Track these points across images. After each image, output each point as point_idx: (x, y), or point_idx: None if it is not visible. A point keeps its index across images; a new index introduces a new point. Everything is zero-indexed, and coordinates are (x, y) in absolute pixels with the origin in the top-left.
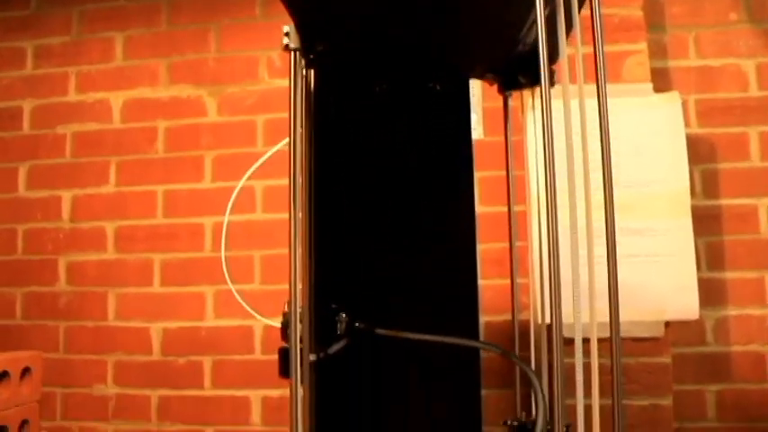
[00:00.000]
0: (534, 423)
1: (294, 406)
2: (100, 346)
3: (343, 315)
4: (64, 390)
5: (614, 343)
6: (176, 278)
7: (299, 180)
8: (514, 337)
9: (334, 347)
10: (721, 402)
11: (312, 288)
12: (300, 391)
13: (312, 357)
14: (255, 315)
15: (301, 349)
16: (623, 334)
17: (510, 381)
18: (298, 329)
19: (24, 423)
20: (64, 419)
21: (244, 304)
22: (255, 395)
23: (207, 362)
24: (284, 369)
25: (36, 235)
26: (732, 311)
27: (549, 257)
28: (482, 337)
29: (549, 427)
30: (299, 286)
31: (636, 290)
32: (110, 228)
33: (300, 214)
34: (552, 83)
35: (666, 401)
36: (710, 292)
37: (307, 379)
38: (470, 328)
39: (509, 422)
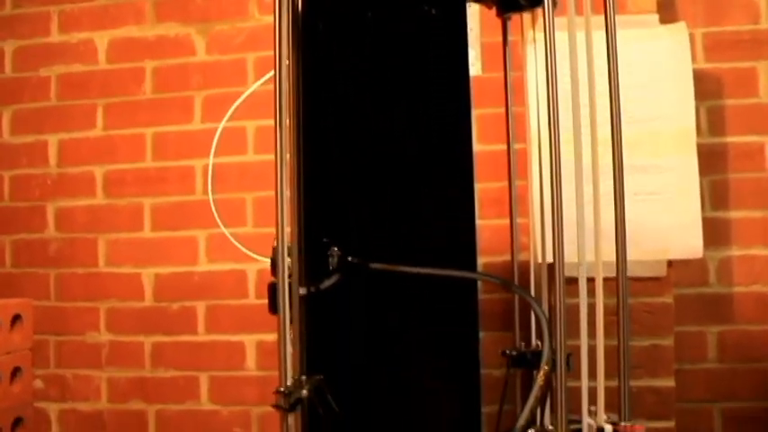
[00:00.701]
0: (540, 349)
1: (283, 342)
2: (91, 293)
3: (336, 249)
4: (57, 338)
5: (621, 283)
6: (167, 222)
7: (286, 109)
8: (513, 277)
9: (326, 283)
10: (722, 344)
11: (302, 221)
12: (289, 326)
13: (302, 291)
14: (249, 254)
15: (290, 284)
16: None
17: (508, 323)
18: (286, 263)
19: (17, 371)
20: (57, 367)
21: (237, 244)
22: (250, 340)
23: (200, 307)
24: (273, 305)
25: (23, 181)
26: (736, 252)
27: (552, 193)
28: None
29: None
30: (287, 218)
31: (638, 228)
32: (98, 172)
33: (288, 142)
34: (555, 2)
35: (667, 342)
36: (714, 233)
37: (296, 313)
38: (468, 267)
39: (508, 352)
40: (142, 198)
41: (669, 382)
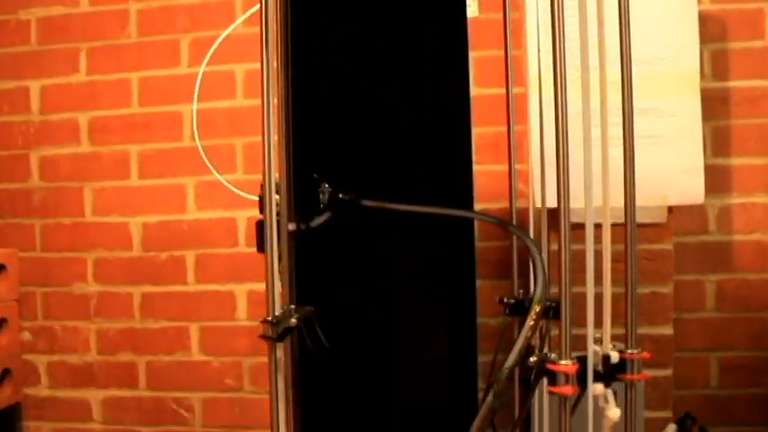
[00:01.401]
0: (533, 294)
1: (270, 275)
2: (78, 244)
3: (326, 186)
4: (43, 289)
5: (629, 229)
6: (155, 170)
7: (273, 44)
8: (512, 247)
9: (317, 220)
10: (721, 292)
11: (291, 156)
12: (276, 261)
13: (291, 227)
14: (237, 192)
15: (278, 220)
16: (623, 219)
17: (505, 272)
18: (273, 199)
19: (3, 322)
20: (45, 319)
21: (224, 182)
22: (240, 289)
23: (189, 256)
24: (261, 243)
25: (4, 129)
26: (736, 199)
27: (558, 134)
28: (476, 226)
29: (548, 301)
30: (275, 152)
31: (639, 173)
32: (82, 119)
33: (276, 78)
34: None
35: (666, 289)
36: (715, 180)
37: (285, 248)
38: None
39: (505, 300)
40: (128, 145)
41: (668, 330)
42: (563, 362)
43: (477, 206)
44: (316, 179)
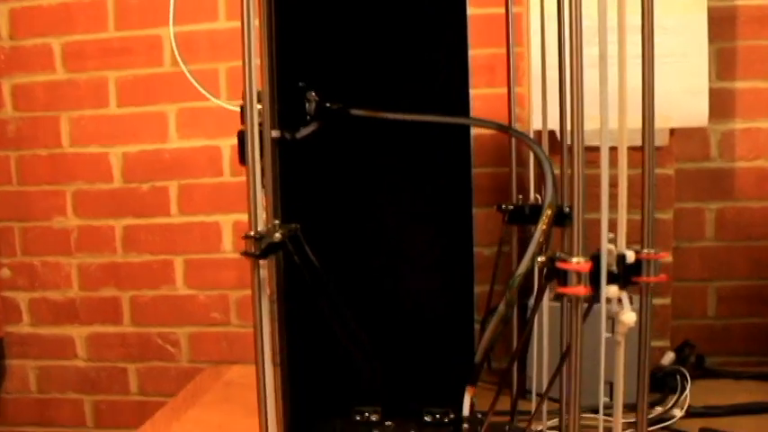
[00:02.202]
0: (540, 204)
1: (252, 186)
2: (56, 176)
3: (313, 94)
4: (22, 224)
5: (648, 151)
6: (134, 98)
7: None
8: (510, 151)
9: (303, 131)
10: (721, 221)
11: (273, 63)
12: (259, 171)
13: (275, 134)
14: (229, 107)
15: (261, 131)
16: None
17: (499, 200)
18: (255, 106)
19: None
20: (25, 255)
21: (212, 98)
22: (226, 220)
23: (172, 187)
24: (243, 155)
25: None
26: (740, 124)
27: (572, 47)
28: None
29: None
30: (255, 49)
31: (640, 94)
32: (56, 44)
33: None
34: None
35: (667, 216)
36: (718, 104)
37: (269, 157)
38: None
39: (504, 206)
40: (106, 72)
41: (667, 258)
42: (575, 259)
43: (472, 131)
44: (301, 87)
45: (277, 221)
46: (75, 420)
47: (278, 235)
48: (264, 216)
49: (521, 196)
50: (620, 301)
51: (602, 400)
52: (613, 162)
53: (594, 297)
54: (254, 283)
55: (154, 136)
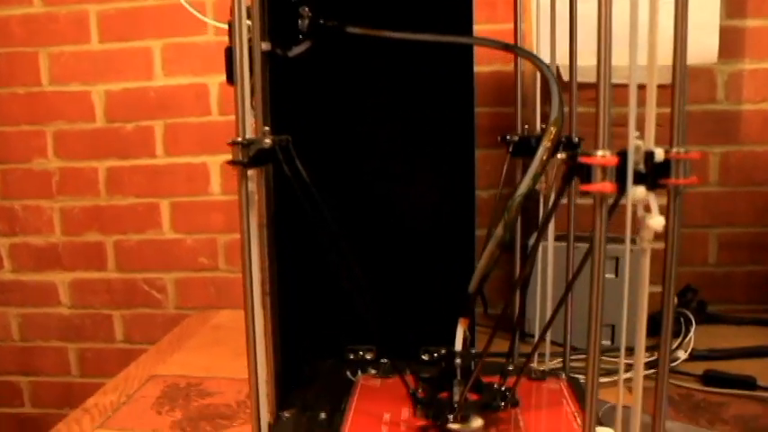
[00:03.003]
0: (545, 126)
1: (240, 93)
2: (36, 116)
3: (306, 10)
4: (0, 166)
5: (679, 38)
6: (117, 32)
7: None
8: (515, 75)
9: (296, 50)
10: (725, 165)
11: None
12: (248, 86)
13: (264, 46)
14: (217, 24)
15: (250, 46)
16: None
17: (498, 142)
18: (244, 20)
19: None
20: (4, 198)
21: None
22: (214, 161)
23: (158, 127)
24: (231, 73)
25: None
26: (748, 65)
27: None
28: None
29: (565, 136)
30: None
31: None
32: None
33: None
34: None
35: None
36: (727, 43)
37: (258, 72)
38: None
39: (508, 137)
40: (86, 5)
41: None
42: (600, 152)
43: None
44: (294, 2)
45: (267, 128)
46: (60, 369)
47: (268, 141)
48: (253, 122)
49: (526, 126)
50: (646, 204)
51: (624, 345)
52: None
53: (619, 198)
54: (241, 196)
55: (138, 73)
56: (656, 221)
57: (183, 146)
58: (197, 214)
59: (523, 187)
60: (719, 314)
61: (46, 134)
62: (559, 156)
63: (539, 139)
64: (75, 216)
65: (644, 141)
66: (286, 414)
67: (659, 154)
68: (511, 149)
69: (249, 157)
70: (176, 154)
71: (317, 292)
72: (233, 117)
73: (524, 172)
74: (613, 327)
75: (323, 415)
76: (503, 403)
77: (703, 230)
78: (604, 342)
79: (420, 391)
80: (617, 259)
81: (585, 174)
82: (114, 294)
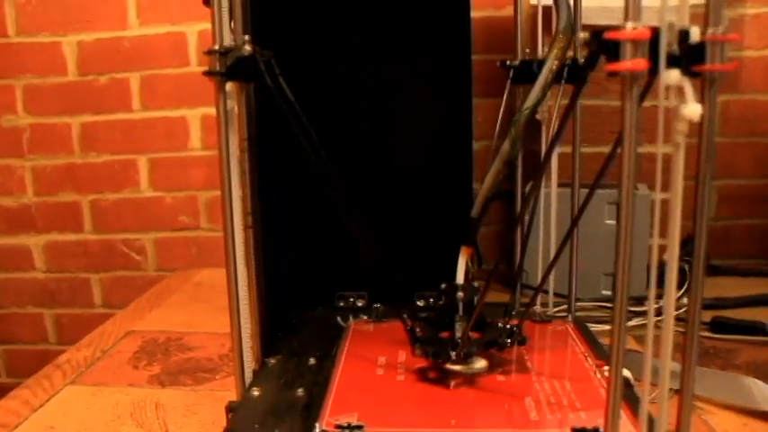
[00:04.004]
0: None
1: (217, 11)
2: (3, 70)
3: None
4: None
5: None
6: None
7: None
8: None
9: None
10: (726, 115)
11: None
12: None
13: None
14: None
15: None
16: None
17: (496, 90)
18: None
19: None
20: None
21: None
22: (193, 115)
23: (134, 79)
24: None
25: None
26: (750, 9)
27: None
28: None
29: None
30: None
31: None
32: None
33: None
34: None
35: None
36: None
37: None
38: None
39: (508, 62)
40: None
41: (670, 149)
42: (630, 24)
43: None
44: None
45: (247, 36)
46: (36, 336)
47: (248, 48)
48: (231, 29)
49: (528, 50)
50: (680, 90)
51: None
52: None
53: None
54: (219, 112)
55: (112, 22)
56: (693, 109)
57: (160, 99)
58: (176, 171)
59: (531, 99)
60: (721, 266)
61: (15, 89)
62: (582, 35)
63: (541, 64)
64: (48, 175)
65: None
66: (272, 360)
67: (695, 34)
68: (511, 75)
69: (227, 66)
70: (154, 108)
71: (304, 234)
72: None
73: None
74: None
75: (312, 360)
76: (509, 340)
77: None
78: (605, 292)
79: (418, 330)
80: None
81: (613, 51)
82: (91, 257)
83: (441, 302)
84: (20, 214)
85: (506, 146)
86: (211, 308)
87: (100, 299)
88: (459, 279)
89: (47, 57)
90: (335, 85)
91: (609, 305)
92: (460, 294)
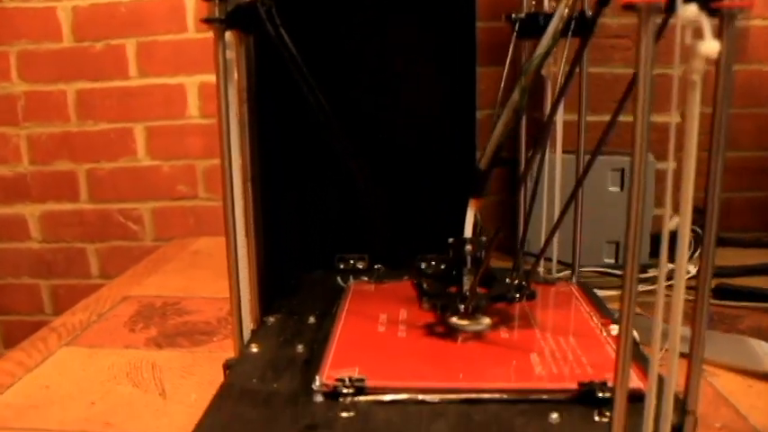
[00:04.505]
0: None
1: None
2: None
3: None
4: None
5: None
6: None
7: None
8: None
9: None
10: None
11: None
12: None
13: None
14: None
15: None
16: None
17: (501, 59)
18: None
19: None
20: None
21: None
22: (191, 82)
23: (130, 45)
24: None
25: None
26: None
27: None
28: None
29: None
30: None
31: None
32: None
33: None
34: None
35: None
36: None
37: None
38: None
39: (513, 15)
40: None
41: (675, 119)
42: None
43: None
44: None
45: None
46: (32, 307)
47: None
48: None
49: (534, 2)
50: (697, 27)
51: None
52: None
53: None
54: (218, 62)
55: None
56: (710, 46)
57: (157, 66)
58: (174, 139)
59: (543, 46)
60: (723, 238)
61: (9, 55)
62: None
63: (547, 17)
64: (43, 144)
65: None
66: (271, 319)
67: None
68: (517, 29)
69: (227, 13)
70: (151, 74)
71: (304, 194)
72: (211, 34)
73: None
74: (618, 244)
75: (312, 319)
76: (518, 295)
77: (705, 153)
78: (607, 260)
79: (425, 285)
80: (622, 171)
81: None
82: (88, 227)
83: (449, 255)
84: (15, 183)
85: (516, 95)
86: (209, 274)
87: (96, 269)
88: (468, 233)
89: (41, 22)
90: (340, 49)
91: (612, 271)
92: (469, 247)
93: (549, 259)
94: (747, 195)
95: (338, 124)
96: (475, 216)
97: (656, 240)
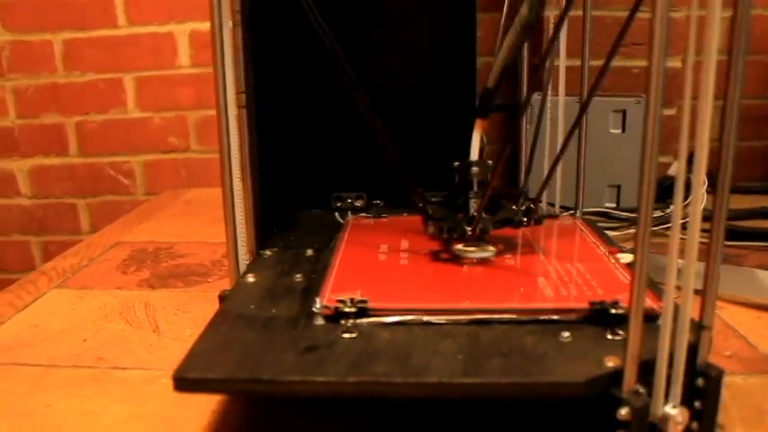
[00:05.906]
0: None
1: None
2: None
3: None
4: None
5: None
6: None
7: None
8: None
9: None
10: (729, 30)
11: None
12: None
13: None
14: None
15: None
16: None
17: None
18: None
19: None
20: None
21: None
22: (181, 30)
23: None
24: None
25: None
26: None
27: None
28: None
29: None
30: None
31: None
32: None
33: None
34: None
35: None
36: None
37: None
38: None
39: None
40: None
41: (677, 63)
42: None
43: None
44: None
45: None
46: (23, 265)
47: None
48: None
49: None
50: None
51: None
52: None
53: None
54: None
55: None
56: None
57: (146, 13)
58: (164, 90)
59: None
60: None
61: None
62: None
63: None
64: (30, 96)
65: None
66: (267, 252)
67: None
68: None
69: None
70: (139, 23)
71: (300, 131)
72: None
73: None
74: (619, 187)
75: (310, 251)
76: (525, 219)
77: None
78: (608, 205)
79: (430, 211)
80: (624, 112)
81: None
82: (78, 181)
83: (455, 179)
84: (2, 138)
85: (524, 9)
86: (203, 221)
87: (87, 225)
88: (474, 155)
89: None
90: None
91: (614, 212)
92: (475, 170)
93: (552, 204)
94: (750, 144)
95: (346, 60)
96: (481, 138)
97: (660, 187)
